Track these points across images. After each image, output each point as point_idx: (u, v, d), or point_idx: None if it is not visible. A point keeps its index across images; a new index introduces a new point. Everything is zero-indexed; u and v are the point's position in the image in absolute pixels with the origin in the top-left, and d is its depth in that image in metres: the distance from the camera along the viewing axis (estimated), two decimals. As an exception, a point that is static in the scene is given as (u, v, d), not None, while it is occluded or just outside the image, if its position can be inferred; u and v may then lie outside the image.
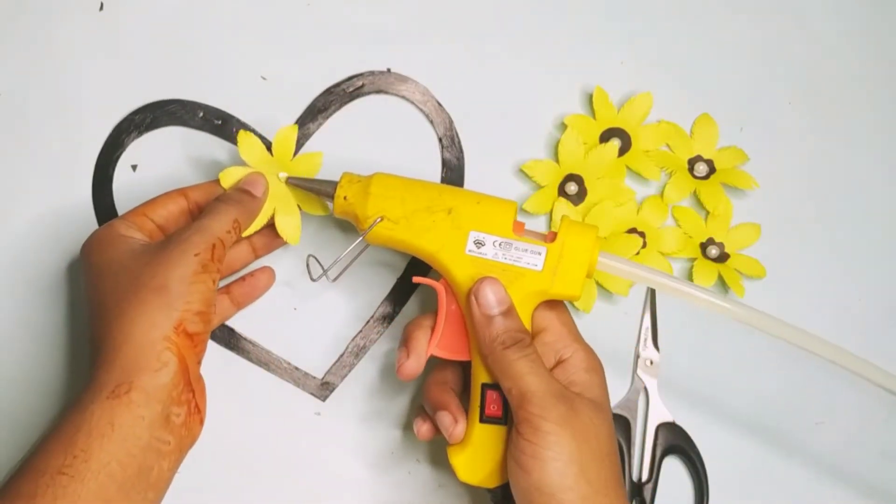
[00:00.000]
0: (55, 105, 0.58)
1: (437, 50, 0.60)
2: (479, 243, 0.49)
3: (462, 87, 0.60)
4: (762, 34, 0.62)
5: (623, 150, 0.59)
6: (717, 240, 0.59)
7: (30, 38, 0.58)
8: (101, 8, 0.59)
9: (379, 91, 0.59)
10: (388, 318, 0.58)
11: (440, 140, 0.59)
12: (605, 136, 0.59)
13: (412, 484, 0.57)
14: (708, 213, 0.59)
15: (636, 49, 0.61)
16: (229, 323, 0.57)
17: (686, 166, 0.60)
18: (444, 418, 0.50)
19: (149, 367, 0.45)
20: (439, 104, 0.59)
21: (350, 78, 0.59)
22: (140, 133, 0.57)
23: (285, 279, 0.57)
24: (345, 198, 0.51)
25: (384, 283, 0.58)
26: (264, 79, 0.59)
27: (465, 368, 0.52)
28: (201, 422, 0.48)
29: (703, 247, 0.59)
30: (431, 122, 0.59)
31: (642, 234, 0.58)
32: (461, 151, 0.59)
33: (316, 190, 0.53)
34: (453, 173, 0.59)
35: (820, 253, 0.61)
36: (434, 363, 0.51)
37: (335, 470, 0.56)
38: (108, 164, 0.57)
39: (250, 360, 0.57)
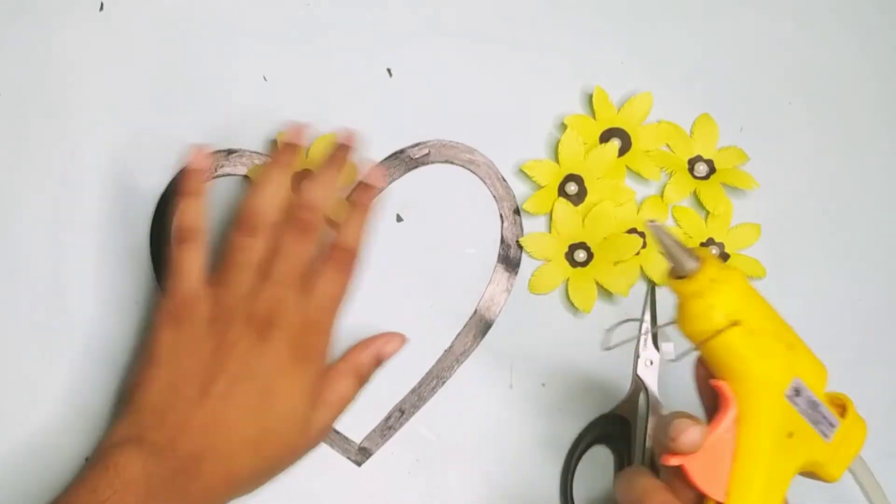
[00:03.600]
0: (55, 105, 0.58)
1: (437, 50, 0.60)
2: (797, 392, 0.44)
3: (462, 86, 0.60)
4: (762, 34, 0.62)
5: (623, 150, 0.59)
6: (717, 240, 0.59)
7: (30, 39, 0.58)
8: (101, 8, 0.59)
9: (445, 161, 0.59)
10: (433, 389, 0.57)
11: (501, 216, 0.59)
12: (605, 137, 0.59)
13: (412, 484, 0.57)
14: (708, 213, 0.59)
15: (636, 49, 0.61)
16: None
17: (686, 166, 0.60)
18: None
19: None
20: (503, 179, 0.59)
21: (416, 144, 0.59)
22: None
23: None
24: (712, 280, 0.42)
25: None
26: (265, 79, 0.59)
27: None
28: None
29: (703, 246, 0.59)
30: (495, 196, 0.59)
31: (642, 235, 0.58)
32: (521, 230, 0.59)
33: (671, 251, 0.42)
34: (511, 250, 0.58)
35: (820, 253, 0.61)
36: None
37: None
38: (167, 207, 0.56)
39: None
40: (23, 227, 0.56)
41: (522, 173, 0.59)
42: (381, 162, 0.58)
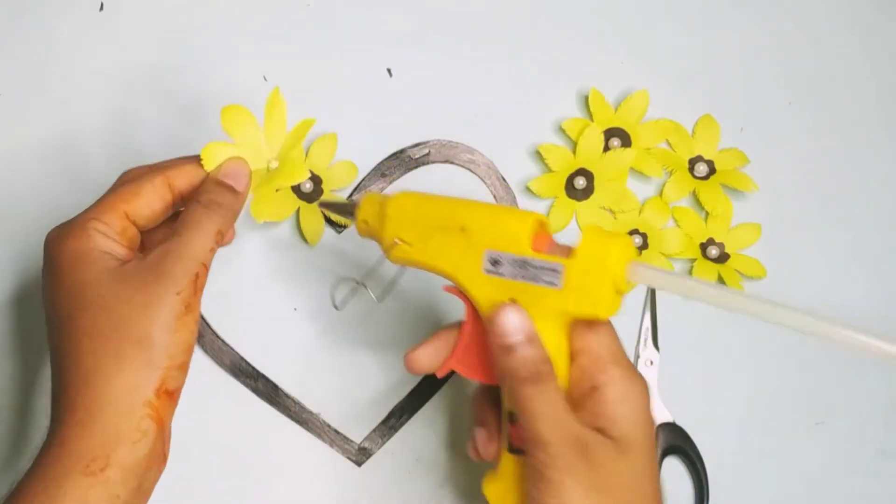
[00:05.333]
0: (55, 105, 0.58)
1: (437, 50, 0.60)
2: (495, 262, 0.45)
3: (462, 87, 0.60)
4: (762, 34, 0.62)
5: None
6: (717, 240, 0.59)
7: (30, 39, 0.58)
8: (102, 8, 0.59)
9: (445, 161, 0.59)
10: (431, 391, 0.57)
11: None
12: (605, 137, 0.59)
13: (412, 484, 0.57)
14: (707, 213, 0.59)
15: (636, 49, 0.61)
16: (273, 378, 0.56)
17: (686, 165, 0.60)
18: (479, 435, 0.46)
19: (128, 438, 0.40)
20: (504, 179, 0.59)
21: (417, 144, 0.59)
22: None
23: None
24: (365, 221, 0.48)
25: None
26: (265, 79, 0.59)
27: None
28: (165, 463, 0.43)
29: (703, 247, 0.59)
30: (495, 196, 0.59)
31: (644, 236, 0.58)
32: None
33: (340, 212, 0.50)
34: None
35: (820, 253, 0.61)
36: None
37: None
38: None
39: (290, 417, 0.56)
40: (23, 227, 0.56)
41: (536, 155, 0.59)
42: (382, 162, 0.58)
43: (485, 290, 0.45)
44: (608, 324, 0.45)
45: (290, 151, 0.49)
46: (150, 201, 0.45)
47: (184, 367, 0.42)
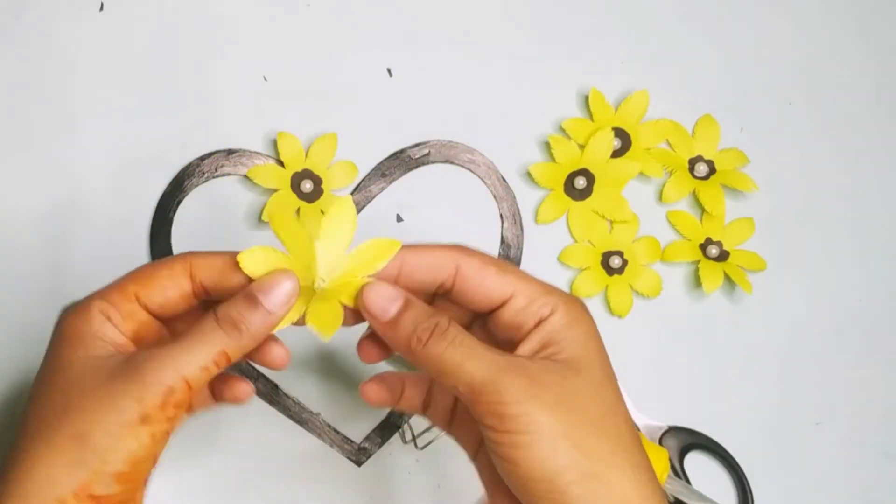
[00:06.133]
0: (55, 105, 0.58)
1: (437, 50, 0.60)
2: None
3: (462, 87, 0.60)
4: (762, 34, 0.63)
5: (623, 149, 0.59)
6: (714, 239, 0.59)
7: (30, 39, 0.58)
8: (102, 8, 0.59)
9: (446, 160, 0.59)
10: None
11: (502, 217, 0.58)
12: (606, 137, 0.59)
13: (412, 484, 0.56)
14: (703, 212, 0.59)
15: (636, 49, 0.61)
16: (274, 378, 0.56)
17: (686, 166, 0.60)
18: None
19: None
20: (504, 179, 0.59)
21: (417, 144, 0.59)
22: (206, 179, 0.57)
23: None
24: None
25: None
26: (265, 79, 0.59)
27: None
28: None
29: (703, 247, 0.59)
30: (495, 196, 0.59)
31: (625, 261, 0.58)
32: (521, 230, 0.58)
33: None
34: (511, 251, 0.58)
35: (820, 253, 0.61)
36: None
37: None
38: (168, 207, 0.56)
39: (290, 417, 0.56)
40: (23, 227, 0.56)
41: (526, 176, 0.59)
42: (382, 162, 0.58)
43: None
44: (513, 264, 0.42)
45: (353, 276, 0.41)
46: (163, 287, 0.41)
47: (122, 479, 0.37)
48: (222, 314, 0.39)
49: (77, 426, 0.37)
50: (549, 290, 0.41)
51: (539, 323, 0.40)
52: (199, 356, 0.39)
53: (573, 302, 0.41)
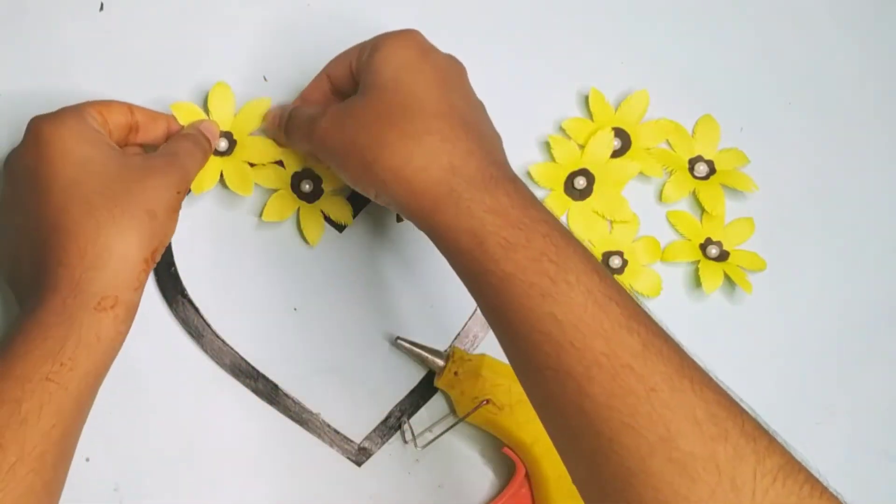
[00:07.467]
0: (55, 106, 0.58)
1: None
2: None
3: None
4: (762, 34, 0.63)
5: (623, 149, 0.59)
6: (714, 239, 0.59)
7: (30, 38, 0.58)
8: (102, 8, 0.59)
9: None
10: (431, 392, 0.57)
11: None
12: (606, 137, 0.59)
13: (412, 484, 0.57)
14: (703, 212, 0.59)
15: (636, 49, 0.61)
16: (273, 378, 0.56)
17: (686, 166, 0.60)
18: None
19: (131, 285, 0.46)
20: None
21: None
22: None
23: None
24: (455, 373, 0.53)
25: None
26: (265, 79, 0.59)
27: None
28: None
29: (703, 247, 0.59)
30: None
31: (625, 261, 0.58)
32: None
33: (423, 357, 0.54)
34: None
35: (820, 253, 0.61)
36: None
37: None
38: None
39: (290, 417, 0.56)
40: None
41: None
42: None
43: (558, 468, 0.48)
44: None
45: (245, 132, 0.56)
46: (116, 110, 0.51)
47: (158, 253, 0.48)
48: (193, 136, 0.53)
49: (147, 204, 0.47)
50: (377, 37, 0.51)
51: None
52: (192, 168, 0.51)
53: (383, 37, 0.50)
